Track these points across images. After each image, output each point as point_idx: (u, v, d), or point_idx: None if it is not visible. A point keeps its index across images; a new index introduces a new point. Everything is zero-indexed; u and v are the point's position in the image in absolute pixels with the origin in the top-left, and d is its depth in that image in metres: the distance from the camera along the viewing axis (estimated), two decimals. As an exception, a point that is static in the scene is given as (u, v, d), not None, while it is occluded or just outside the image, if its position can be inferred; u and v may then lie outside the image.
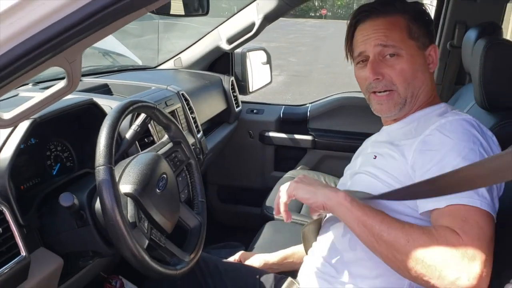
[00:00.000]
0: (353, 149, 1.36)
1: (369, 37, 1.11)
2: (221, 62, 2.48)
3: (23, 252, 1.01)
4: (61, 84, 0.90)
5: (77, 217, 1.10)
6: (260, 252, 1.62)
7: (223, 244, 1.95)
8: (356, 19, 1.15)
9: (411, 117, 1.14)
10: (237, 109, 2.44)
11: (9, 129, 1.11)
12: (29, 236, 1.08)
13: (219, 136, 2.27)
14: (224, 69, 2.49)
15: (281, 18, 2.37)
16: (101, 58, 2.52)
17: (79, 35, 0.80)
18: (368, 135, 1.33)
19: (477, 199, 0.87)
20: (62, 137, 1.38)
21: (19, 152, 1.23)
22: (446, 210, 0.88)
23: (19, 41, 0.77)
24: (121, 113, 1.11)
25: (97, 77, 1.98)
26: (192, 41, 2.48)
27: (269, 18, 2.20)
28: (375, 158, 1.12)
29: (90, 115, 1.38)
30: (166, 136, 1.34)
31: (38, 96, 0.91)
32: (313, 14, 32.94)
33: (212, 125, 2.32)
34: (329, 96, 2.59)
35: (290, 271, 1.39)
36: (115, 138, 1.06)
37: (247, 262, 1.45)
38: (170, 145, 1.32)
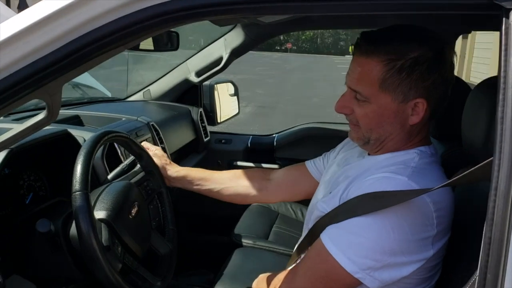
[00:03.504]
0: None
1: (349, 72, 1.07)
2: (189, 94, 2.55)
3: (-1, 278, 1.03)
4: (40, 115, 0.96)
5: (51, 244, 1.14)
6: (230, 280, 1.67)
7: (191, 272, 1.98)
8: (353, 46, 1.08)
9: (383, 156, 1.10)
10: (205, 139, 2.51)
11: (-15, 159, 1.14)
12: (3, 263, 1.11)
13: (188, 166, 2.31)
14: (193, 101, 2.56)
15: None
16: (71, 90, 2.56)
17: (60, 70, 0.86)
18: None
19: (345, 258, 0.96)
20: (36, 166, 1.42)
21: (-8, 182, 1.26)
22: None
23: (4, 75, 0.83)
24: (96, 142, 1.16)
25: (68, 109, 2.03)
26: (159, 73, 2.55)
27: (236, 53, 2.30)
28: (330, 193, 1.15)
29: (63, 145, 1.43)
30: (138, 165, 1.40)
31: (17, 127, 0.96)
32: (278, 48, 33.71)
33: (181, 155, 2.38)
34: (295, 126, 2.69)
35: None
36: (91, 165, 1.11)
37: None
38: (142, 174, 1.38)
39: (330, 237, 1.00)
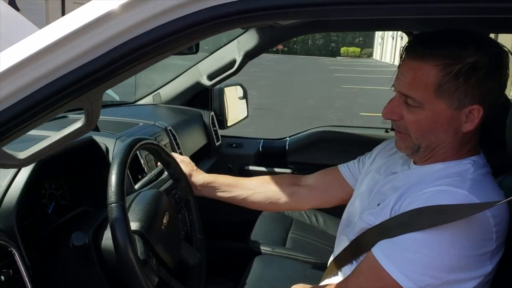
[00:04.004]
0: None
1: (399, 76, 1.02)
2: (200, 97, 2.50)
3: (32, 295, 0.98)
4: (78, 123, 0.91)
5: (83, 257, 1.09)
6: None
7: (210, 281, 1.93)
8: (404, 48, 1.03)
9: (433, 166, 1.05)
10: (217, 144, 2.46)
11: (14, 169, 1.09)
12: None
13: (200, 171, 2.27)
14: (203, 104, 2.51)
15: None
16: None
17: (104, 77, 0.82)
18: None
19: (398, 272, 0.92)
20: (57, 175, 1.36)
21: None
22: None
23: (49, 81, 0.79)
24: (129, 150, 1.12)
25: (79, 113, 1.96)
26: (167, 76, 2.49)
27: (249, 55, 2.25)
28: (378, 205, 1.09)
29: (86, 153, 1.37)
30: (165, 173, 1.35)
31: (54, 135, 0.91)
32: (270, 49, 33.74)
33: (193, 160, 2.32)
34: (308, 130, 2.65)
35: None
36: (125, 175, 1.06)
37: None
38: (170, 182, 1.33)
39: (384, 253, 0.96)
